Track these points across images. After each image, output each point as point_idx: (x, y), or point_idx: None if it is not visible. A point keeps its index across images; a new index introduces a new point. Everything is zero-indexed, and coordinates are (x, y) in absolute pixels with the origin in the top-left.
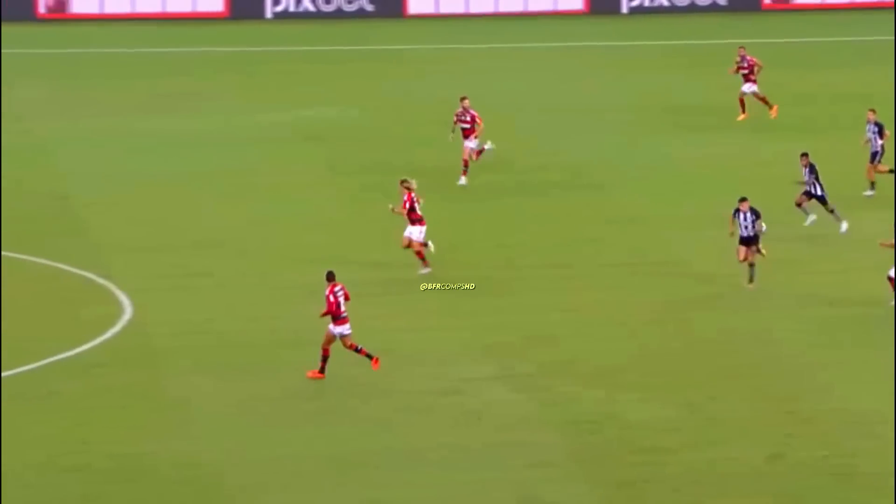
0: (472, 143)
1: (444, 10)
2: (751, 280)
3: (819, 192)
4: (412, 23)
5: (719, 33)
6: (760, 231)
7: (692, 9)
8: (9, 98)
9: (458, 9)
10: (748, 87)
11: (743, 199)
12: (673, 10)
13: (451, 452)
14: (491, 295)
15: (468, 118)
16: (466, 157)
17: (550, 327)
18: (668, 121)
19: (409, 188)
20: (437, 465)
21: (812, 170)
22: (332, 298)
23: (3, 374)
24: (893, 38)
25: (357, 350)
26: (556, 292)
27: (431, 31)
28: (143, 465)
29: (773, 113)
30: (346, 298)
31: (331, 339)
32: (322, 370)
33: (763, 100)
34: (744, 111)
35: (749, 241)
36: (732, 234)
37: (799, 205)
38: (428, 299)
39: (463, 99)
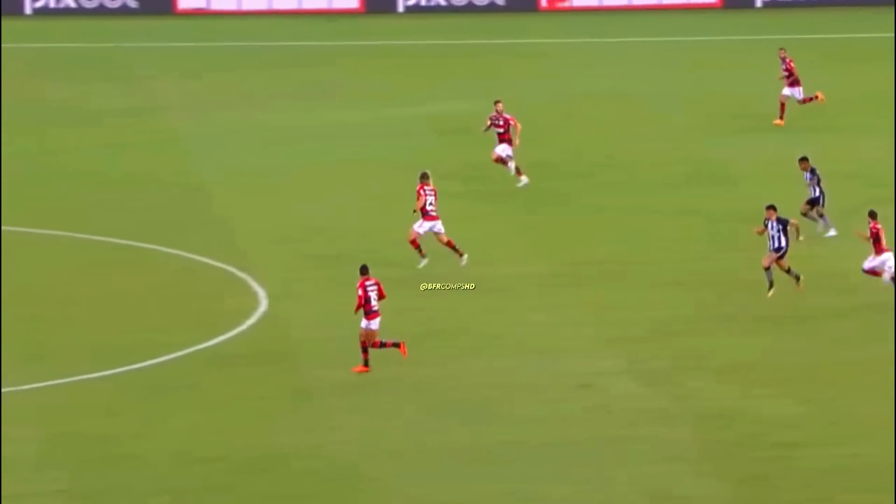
0: (507, 150)
1: (577, 3)
2: (797, 280)
3: (815, 195)
4: (545, 17)
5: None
6: (795, 233)
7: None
8: (147, 91)
9: (591, 3)
10: (789, 91)
11: (770, 207)
12: (807, 4)
13: (581, 446)
14: (616, 290)
15: (501, 122)
16: (497, 159)
17: (680, 322)
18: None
19: (425, 182)
20: (567, 459)
21: (813, 174)
22: (360, 292)
23: (144, 365)
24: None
25: (382, 345)
26: (685, 287)
27: (564, 25)
28: (278, 455)
29: (821, 97)
30: (381, 295)
31: (374, 333)
32: (366, 363)
33: (808, 100)
34: (782, 116)
35: (776, 251)
36: (760, 233)
37: (804, 214)
38: (547, 294)
39: (497, 102)
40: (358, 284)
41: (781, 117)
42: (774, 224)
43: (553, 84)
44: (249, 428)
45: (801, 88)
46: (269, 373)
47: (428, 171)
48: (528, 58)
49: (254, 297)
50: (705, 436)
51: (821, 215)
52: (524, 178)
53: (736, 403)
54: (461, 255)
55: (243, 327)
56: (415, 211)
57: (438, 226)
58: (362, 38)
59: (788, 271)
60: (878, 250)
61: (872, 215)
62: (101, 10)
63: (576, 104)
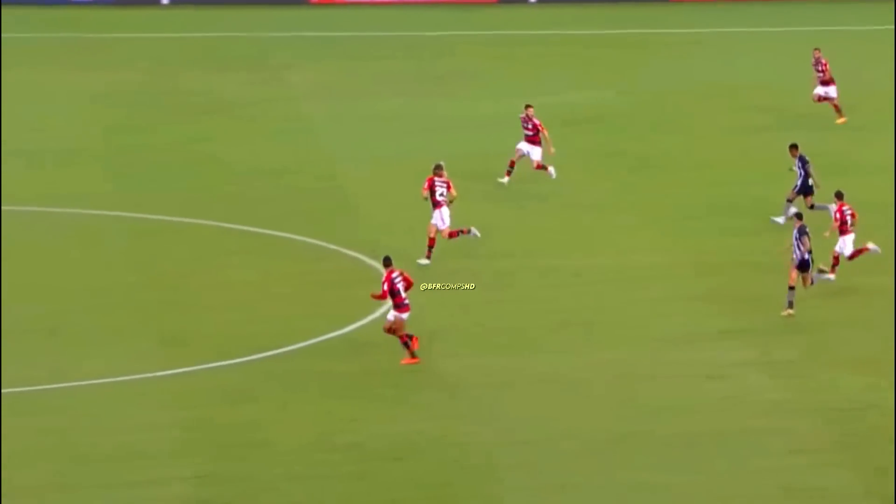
0: (536, 155)
1: None
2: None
3: (803, 183)
4: (674, 7)
5: None
6: (804, 248)
7: None
8: (281, 80)
9: None
10: (822, 90)
11: (796, 216)
12: None
13: (713, 437)
14: (746, 280)
15: (531, 126)
16: (517, 158)
17: (811, 312)
18: None
19: (437, 173)
20: (699, 450)
21: (803, 162)
22: (386, 286)
23: (279, 352)
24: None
25: (409, 338)
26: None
27: (694, 14)
28: (412, 443)
29: (841, 119)
30: (409, 285)
31: (400, 324)
32: (413, 354)
33: (836, 107)
34: (840, 114)
35: (801, 266)
36: (786, 249)
37: (811, 206)
38: (677, 285)
39: (528, 107)
40: (384, 278)
41: (841, 114)
42: (795, 233)
43: (683, 73)
44: (384, 415)
45: (835, 87)
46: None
47: (442, 163)
48: (651, 48)
49: None
50: (837, 427)
51: (811, 206)
52: (505, 179)
53: (867, 395)
54: (467, 231)
55: (376, 315)
56: (425, 199)
57: (448, 214)
58: (494, 28)
59: (792, 289)
60: (843, 231)
61: (839, 196)
62: (236, 0)
63: (706, 93)
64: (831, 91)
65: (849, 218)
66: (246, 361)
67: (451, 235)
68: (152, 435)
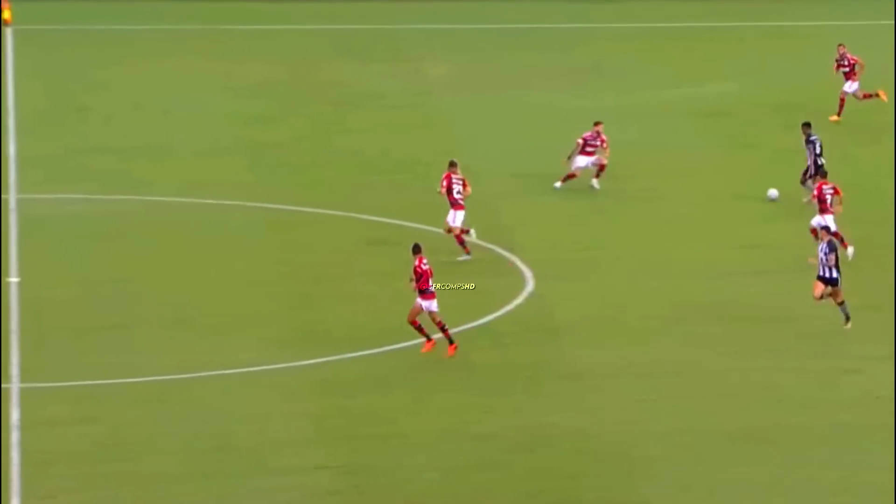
0: (591, 161)
1: None
2: (847, 319)
3: (818, 163)
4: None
5: None
6: (830, 262)
7: None
8: (419, 73)
9: None
10: (849, 87)
11: (820, 230)
12: None
13: (849, 431)
14: (888, 274)
15: (598, 142)
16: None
17: None
18: None
19: (452, 170)
20: (836, 444)
21: (810, 142)
22: (423, 268)
23: (414, 343)
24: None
25: (443, 328)
26: None
27: (833, 6)
28: (545, 434)
29: (884, 96)
30: (431, 274)
31: (418, 311)
32: (429, 338)
33: (868, 96)
34: (839, 113)
35: (826, 281)
36: (811, 262)
37: (803, 183)
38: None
39: (597, 124)
40: (416, 263)
41: (839, 113)
42: (823, 247)
43: (822, 65)
44: (515, 406)
45: (858, 84)
46: (537, 351)
47: (456, 160)
48: (790, 39)
49: (520, 276)
50: None
51: (802, 182)
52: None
53: None
54: (466, 250)
55: (511, 306)
56: (440, 193)
57: (462, 216)
58: (628, 21)
59: (840, 304)
60: (823, 210)
61: (822, 174)
62: None
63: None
64: (856, 87)
65: (828, 196)
66: (382, 352)
67: (458, 236)
68: (289, 424)
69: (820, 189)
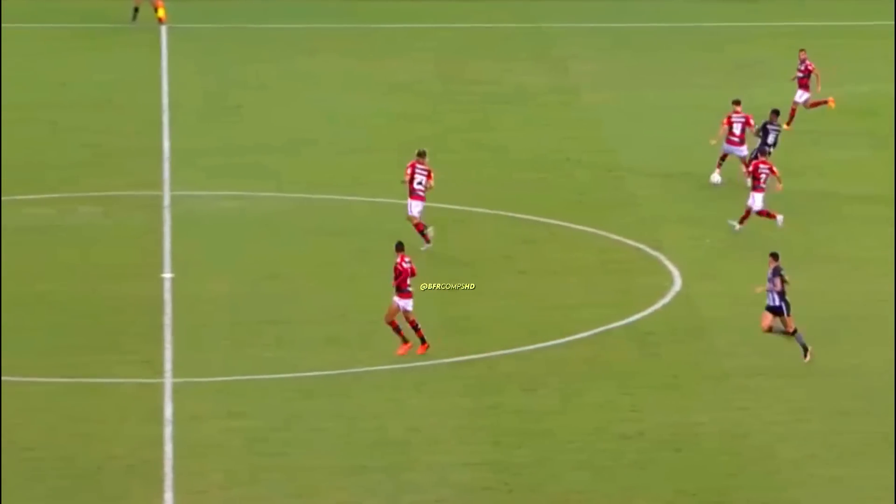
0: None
1: None
2: (804, 352)
3: (764, 145)
4: None
5: None
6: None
7: None
8: (566, 70)
9: None
10: (800, 97)
11: (771, 255)
12: None
13: None
14: None
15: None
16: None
17: None
18: None
19: (419, 160)
20: None
21: (767, 129)
22: (403, 266)
23: (561, 341)
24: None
25: (416, 328)
26: None
27: None
28: (692, 434)
29: (832, 103)
30: (413, 273)
31: (395, 311)
32: (406, 341)
33: (816, 104)
34: (789, 122)
35: (773, 310)
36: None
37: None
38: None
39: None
40: (398, 260)
41: (789, 122)
42: (769, 273)
43: None
44: (664, 405)
45: (809, 94)
46: (684, 351)
47: (425, 150)
48: None
49: (667, 275)
50: None
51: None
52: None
53: None
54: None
55: (658, 305)
56: (402, 182)
57: (419, 207)
58: (775, 20)
59: (788, 333)
60: (756, 188)
61: (763, 152)
62: None
63: None
64: (807, 96)
65: (763, 175)
66: (531, 350)
67: (417, 225)
68: (439, 421)
69: (756, 167)
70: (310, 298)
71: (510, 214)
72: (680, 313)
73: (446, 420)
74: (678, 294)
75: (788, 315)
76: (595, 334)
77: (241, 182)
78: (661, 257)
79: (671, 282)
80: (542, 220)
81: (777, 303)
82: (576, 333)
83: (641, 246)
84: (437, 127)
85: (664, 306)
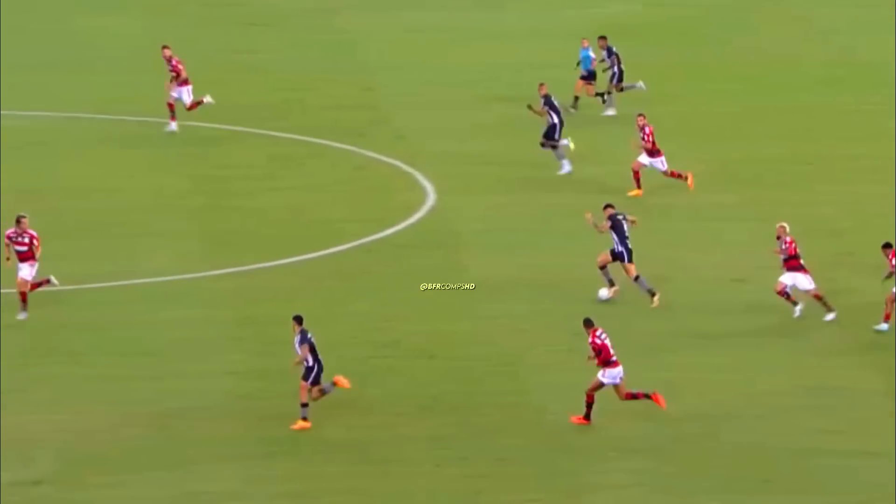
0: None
1: None
2: (652, 295)
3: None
4: None
5: None
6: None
7: None
8: None
9: None
10: (645, 159)
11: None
12: None
13: None
14: None
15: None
16: None
17: None
18: None
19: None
20: None
21: (609, 52)
22: (598, 342)
23: (321, 254)
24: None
25: (634, 396)
26: None
27: None
28: (444, 342)
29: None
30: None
31: (599, 385)
32: (587, 416)
33: (675, 175)
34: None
35: (615, 256)
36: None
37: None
38: None
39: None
40: (590, 339)
41: (638, 187)
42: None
43: None
44: (418, 315)
45: (663, 158)
46: (437, 262)
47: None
48: None
49: (422, 191)
50: None
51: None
52: None
53: None
54: None
55: (413, 220)
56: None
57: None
58: None
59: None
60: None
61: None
62: None
63: None
64: (658, 163)
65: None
66: (292, 262)
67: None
68: (199, 331)
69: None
70: None
71: (270, 133)
72: (433, 227)
73: (207, 331)
74: (432, 209)
75: (630, 262)
76: (352, 247)
77: None
78: (416, 173)
79: (425, 197)
80: (299, 138)
81: (619, 248)
82: (335, 246)
83: (397, 163)
84: (196, 48)
85: (419, 220)
